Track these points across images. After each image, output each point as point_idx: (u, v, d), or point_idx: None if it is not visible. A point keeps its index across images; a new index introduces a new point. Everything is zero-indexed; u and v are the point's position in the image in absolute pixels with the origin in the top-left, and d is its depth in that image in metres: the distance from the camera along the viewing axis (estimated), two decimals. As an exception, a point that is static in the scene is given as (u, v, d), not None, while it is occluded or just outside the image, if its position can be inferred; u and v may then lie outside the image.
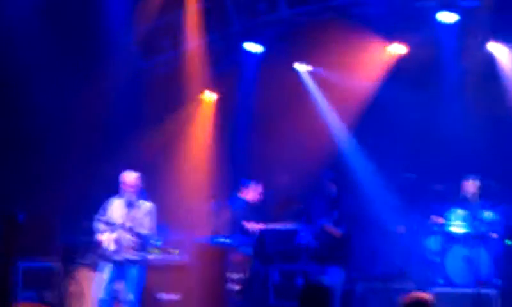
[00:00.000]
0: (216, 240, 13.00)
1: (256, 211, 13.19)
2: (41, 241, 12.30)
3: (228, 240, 12.86)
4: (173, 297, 12.31)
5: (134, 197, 11.43)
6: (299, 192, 13.31)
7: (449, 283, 12.76)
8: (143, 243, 11.44)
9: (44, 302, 12.06)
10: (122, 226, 11.34)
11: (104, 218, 11.35)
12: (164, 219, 12.07)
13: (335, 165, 13.49)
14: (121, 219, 11.37)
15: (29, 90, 12.71)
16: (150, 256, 12.26)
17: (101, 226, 11.40)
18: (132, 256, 11.41)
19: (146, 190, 11.55)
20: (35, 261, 12.15)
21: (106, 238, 11.32)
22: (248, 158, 13.72)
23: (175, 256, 12.58)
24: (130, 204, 11.45)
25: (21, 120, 12.93)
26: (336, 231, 12.59)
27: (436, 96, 13.83)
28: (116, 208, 11.43)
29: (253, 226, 13.00)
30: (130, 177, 11.40)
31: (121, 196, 11.47)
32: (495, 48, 13.60)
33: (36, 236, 12.09)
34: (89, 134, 13.22)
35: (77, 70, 12.86)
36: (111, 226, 11.34)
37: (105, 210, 11.45)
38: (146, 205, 11.51)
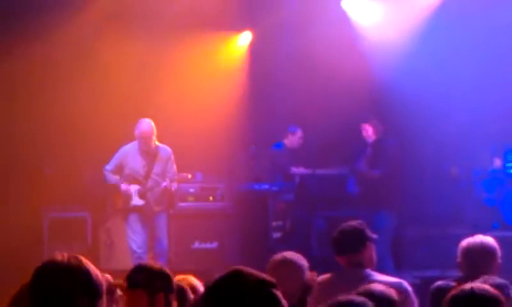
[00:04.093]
0: (256, 186, 12.57)
1: (297, 156, 12.74)
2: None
3: (269, 186, 12.41)
4: (208, 245, 11.91)
5: (151, 146, 11.01)
6: (345, 137, 12.64)
7: (505, 226, 12.12)
8: (169, 191, 11.07)
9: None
10: (145, 177, 11.00)
11: (127, 171, 11.03)
12: (197, 165, 11.63)
13: (380, 105, 12.75)
14: (142, 169, 11.01)
15: None
16: (182, 204, 11.91)
17: (113, 178, 11.07)
18: (158, 205, 11.05)
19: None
20: (63, 211, 11.83)
21: (129, 190, 10.98)
22: (289, 103, 13.09)
23: (210, 203, 12.16)
24: (148, 153, 11.05)
25: None
26: (370, 174, 12.00)
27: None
28: (132, 159, 11.05)
29: (299, 171, 12.57)
30: (146, 125, 10.95)
31: (135, 145, 11.07)
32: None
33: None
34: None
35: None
36: (132, 177, 11.01)
37: (119, 160, 11.08)
38: (166, 151, 11.11)
